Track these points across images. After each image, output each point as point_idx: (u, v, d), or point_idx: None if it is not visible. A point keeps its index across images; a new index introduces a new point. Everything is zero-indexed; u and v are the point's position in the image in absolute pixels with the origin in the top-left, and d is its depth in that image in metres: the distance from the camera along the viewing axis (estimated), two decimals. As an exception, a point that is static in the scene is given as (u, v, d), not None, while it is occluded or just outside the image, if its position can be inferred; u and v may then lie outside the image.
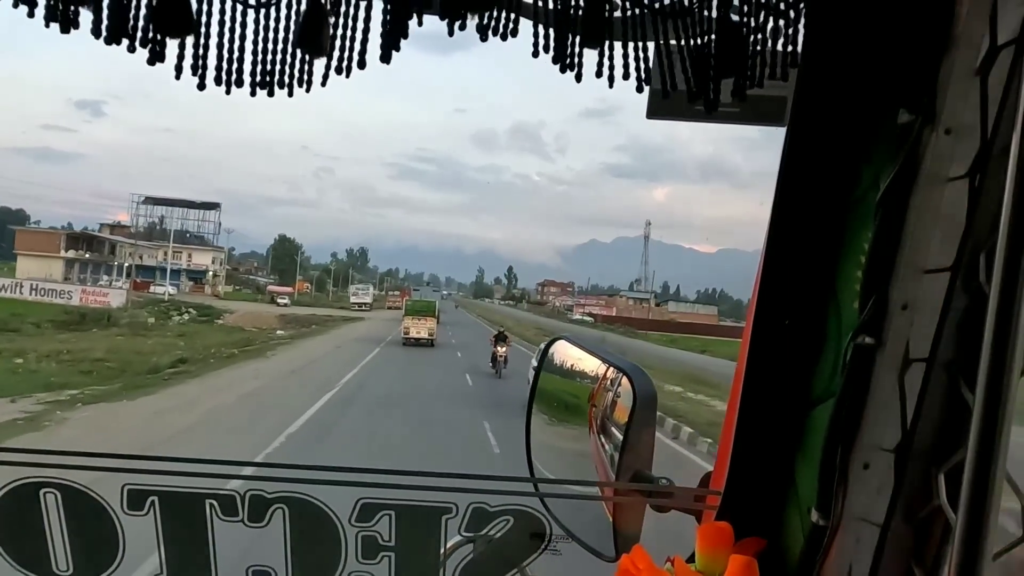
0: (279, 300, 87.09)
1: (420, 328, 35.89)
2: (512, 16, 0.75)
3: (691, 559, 1.09)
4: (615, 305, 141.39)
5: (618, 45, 0.79)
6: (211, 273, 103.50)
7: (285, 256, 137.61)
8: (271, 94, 0.78)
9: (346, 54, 0.76)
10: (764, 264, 1.00)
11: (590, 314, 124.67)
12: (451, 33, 0.74)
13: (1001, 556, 0.74)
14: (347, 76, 0.75)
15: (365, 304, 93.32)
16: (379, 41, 0.77)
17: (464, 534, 1.11)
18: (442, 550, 1.11)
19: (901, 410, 0.90)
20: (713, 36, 0.79)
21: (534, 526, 1.13)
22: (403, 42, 0.77)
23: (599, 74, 0.78)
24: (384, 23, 0.76)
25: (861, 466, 0.93)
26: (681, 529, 1.29)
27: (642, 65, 0.80)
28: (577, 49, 0.78)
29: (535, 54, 0.77)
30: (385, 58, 0.75)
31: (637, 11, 0.77)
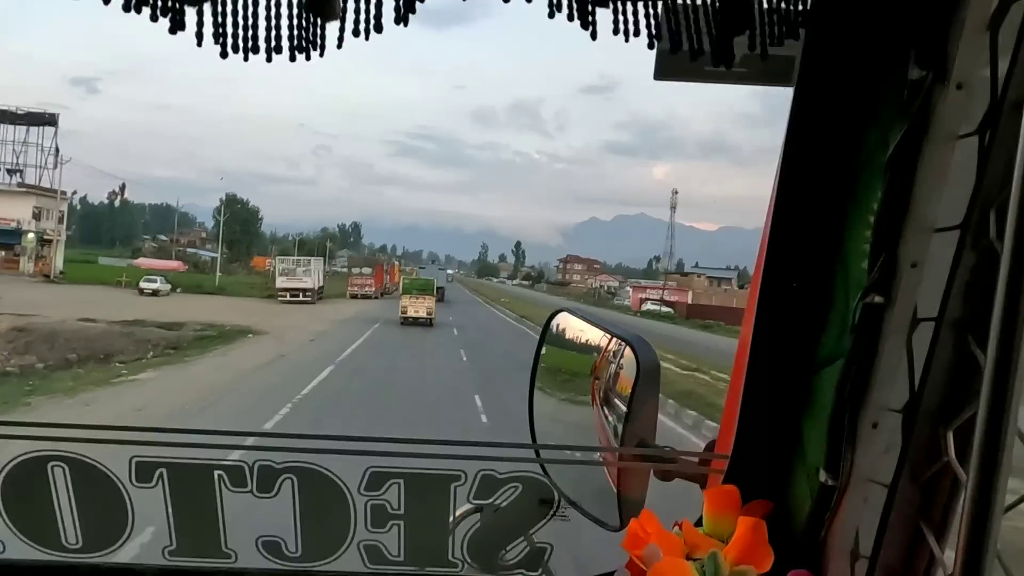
0: (146, 285, 52.01)
1: (419, 307, 35.76)
2: None
3: (698, 523, 1.09)
4: (690, 287, 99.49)
5: (627, 4, 0.78)
6: (31, 236, 62.24)
7: (235, 224, 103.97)
8: (292, 59, 0.77)
9: (361, 16, 0.75)
10: (771, 226, 1.00)
11: (664, 301, 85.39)
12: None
13: (1011, 510, 0.75)
14: (367, 38, 0.75)
15: (306, 292, 53.10)
16: (392, 5, 0.76)
17: (473, 501, 1.12)
18: (451, 518, 1.12)
19: (909, 370, 0.90)
20: None
21: (543, 492, 1.13)
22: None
23: (616, 31, 0.77)
24: None
25: (870, 426, 0.93)
26: (683, 504, 1.28)
27: (652, 22, 0.79)
28: (589, 8, 0.77)
29: (551, 15, 0.76)
30: (402, 19, 0.74)
31: None
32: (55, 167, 66.32)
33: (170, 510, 1.08)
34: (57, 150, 66.83)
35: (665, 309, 79.25)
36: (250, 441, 1.09)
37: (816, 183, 0.96)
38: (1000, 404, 0.68)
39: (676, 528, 1.08)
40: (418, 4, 0.77)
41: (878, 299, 0.89)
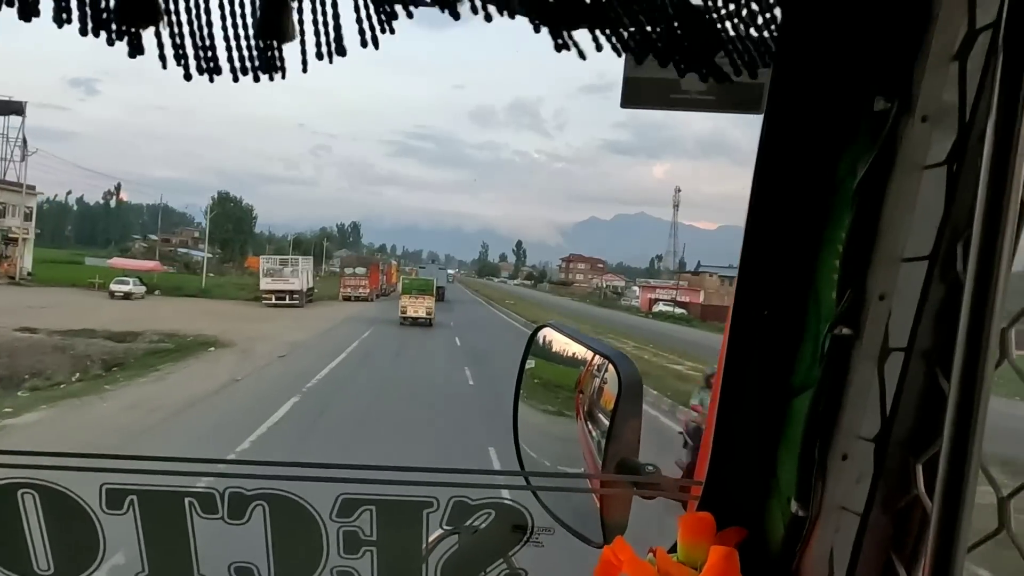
0: (117, 288, 46.86)
1: (418, 307, 35.66)
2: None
3: (673, 549, 1.09)
4: (702, 287, 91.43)
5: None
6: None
7: (227, 222, 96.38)
8: (256, 80, 0.76)
9: (323, 39, 0.74)
10: (743, 253, 0.99)
11: (677, 302, 79.70)
12: (443, 10, 0.72)
13: (977, 548, 0.74)
14: (331, 61, 0.73)
15: (292, 294, 49.18)
16: (367, 24, 0.75)
17: (445, 527, 1.11)
18: (424, 544, 1.11)
19: (881, 399, 0.90)
20: (678, 24, 0.77)
21: (516, 518, 1.12)
22: (400, 17, 0.75)
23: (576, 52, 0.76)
24: (365, 7, 0.74)
25: (840, 456, 0.93)
26: (670, 514, 1.28)
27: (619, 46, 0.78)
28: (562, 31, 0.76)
29: (536, 30, 0.75)
30: (370, 43, 0.73)
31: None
32: (22, 159, 60.93)
33: (141, 537, 1.08)
34: (25, 141, 61.02)
35: (679, 310, 74.47)
36: (221, 468, 1.09)
37: (787, 212, 0.95)
38: (964, 439, 0.67)
39: (651, 555, 1.07)
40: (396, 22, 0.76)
41: (846, 331, 0.88)
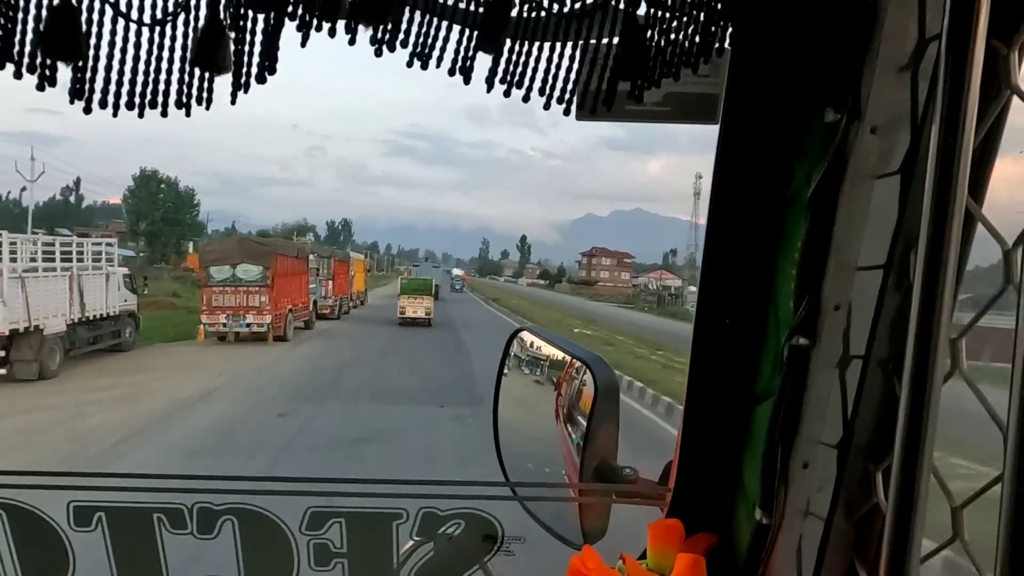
0: None
1: (417, 308, 35.41)
2: (406, 25, 0.73)
3: (643, 556, 1.09)
4: None
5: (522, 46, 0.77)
6: None
7: (153, 210, 69.56)
8: (165, 114, 0.75)
9: (244, 70, 0.73)
10: (704, 261, 0.99)
11: None
12: (352, 43, 0.72)
13: (930, 559, 0.74)
14: (246, 92, 0.73)
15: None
16: (296, 45, 0.74)
17: (415, 538, 1.11)
18: (395, 555, 1.11)
19: (842, 406, 0.90)
20: (616, 38, 0.77)
21: (486, 528, 1.12)
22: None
23: (490, 80, 0.76)
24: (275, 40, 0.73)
25: (801, 464, 0.93)
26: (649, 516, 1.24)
27: (554, 68, 0.78)
28: (471, 53, 0.76)
29: (424, 67, 0.75)
30: (269, 70, 0.73)
31: (541, 14, 0.75)
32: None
33: (111, 554, 1.08)
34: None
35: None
36: (189, 483, 1.07)
37: (746, 221, 0.95)
38: (915, 447, 0.67)
39: (620, 562, 1.07)
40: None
41: (803, 341, 0.89)
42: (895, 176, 0.81)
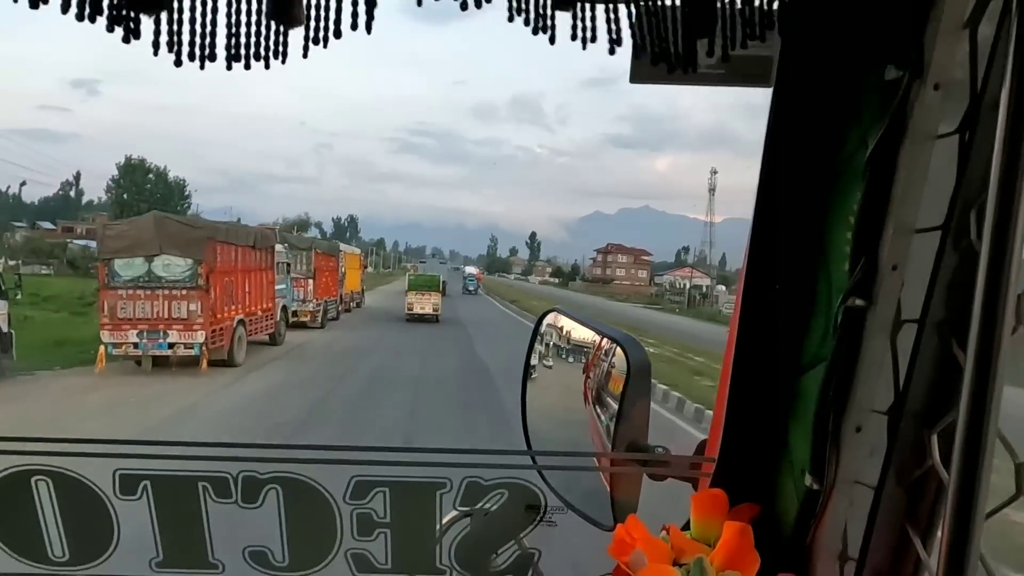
0: None
1: (424, 304, 35.28)
2: None
3: (686, 527, 1.09)
4: None
5: (595, 7, 0.77)
6: None
7: (140, 202, 63.70)
8: (247, 67, 0.76)
9: (322, 24, 0.74)
10: (753, 228, 0.99)
11: None
12: None
13: (994, 515, 0.74)
14: (324, 46, 0.73)
15: None
16: (363, 8, 0.74)
17: (459, 508, 1.11)
18: (438, 525, 1.11)
19: (894, 372, 0.89)
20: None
21: (529, 498, 1.12)
22: (400, 12, 0.75)
23: (573, 37, 0.76)
24: None
25: (854, 429, 0.92)
26: (681, 500, 1.26)
27: (614, 27, 0.78)
28: (549, 11, 0.76)
29: (510, 19, 0.75)
30: (363, 27, 0.73)
31: None
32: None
33: (155, 522, 1.08)
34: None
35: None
36: (234, 452, 1.08)
37: (797, 185, 0.95)
38: (980, 407, 0.67)
39: (664, 532, 1.07)
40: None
41: (859, 302, 0.88)
42: (954, 136, 0.81)
